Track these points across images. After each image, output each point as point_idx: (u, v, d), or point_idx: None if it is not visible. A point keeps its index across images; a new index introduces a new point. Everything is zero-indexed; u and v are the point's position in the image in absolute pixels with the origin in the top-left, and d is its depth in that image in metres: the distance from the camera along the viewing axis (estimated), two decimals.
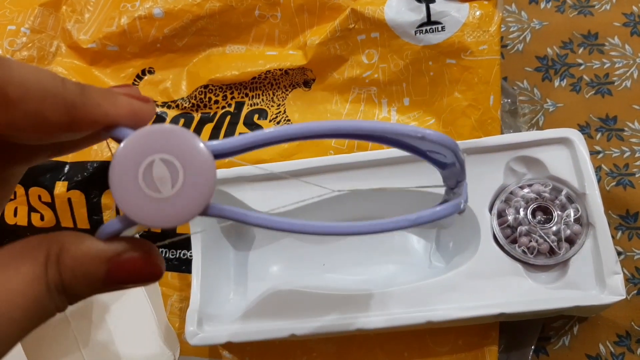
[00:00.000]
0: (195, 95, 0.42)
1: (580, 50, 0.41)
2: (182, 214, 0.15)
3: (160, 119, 0.42)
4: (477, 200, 0.33)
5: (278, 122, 0.40)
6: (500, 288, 0.31)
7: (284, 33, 0.42)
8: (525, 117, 0.41)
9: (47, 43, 0.43)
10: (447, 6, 0.37)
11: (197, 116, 0.42)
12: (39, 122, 0.14)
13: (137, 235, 0.17)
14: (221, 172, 0.35)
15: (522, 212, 0.32)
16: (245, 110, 0.41)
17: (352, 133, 0.16)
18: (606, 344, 0.35)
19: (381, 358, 0.36)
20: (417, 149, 0.18)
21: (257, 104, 0.41)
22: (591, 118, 0.40)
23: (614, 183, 0.38)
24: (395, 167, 0.34)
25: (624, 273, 0.32)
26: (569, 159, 0.33)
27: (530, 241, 0.32)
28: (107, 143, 0.17)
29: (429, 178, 0.33)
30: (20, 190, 0.39)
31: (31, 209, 0.39)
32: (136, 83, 0.43)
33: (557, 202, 0.32)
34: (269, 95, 0.41)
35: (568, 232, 0.32)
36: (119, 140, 0.16)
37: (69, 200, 0.39)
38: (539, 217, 0.33)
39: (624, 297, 0.30)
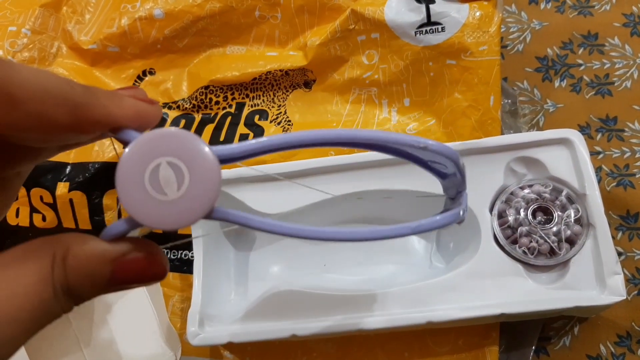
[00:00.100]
0: (196, 96, 0.42)
1: (580, 51, 0.41)
2: (187, 216, 0.15)
3: (161, 119, 0.42)
4: (477, 201, 0.33)
5: (279, 123, 0.40)
6: (501, 288, 0.31)
7: (284, 34, 0.42)
8: (526, 117, 0.41)
9: (47, 44, 0.43)
10: (447, 7, 0.37)
11: (198, 117, 0.42)
12: (44, 122, 0.14)
13: (141, 237, 0.17)
14: (222, 173, 0.35)
15: (522, 213, 0.32)
16: (246, 111, 0.41)
17: (355, 142, 0.17)
18: (607, 344, 0.35)
19: (381, 358, 0.36)
20: (418, 158, 0.18)
21: (258, 105, 0.41)
22: (591, 118, 0.40)
23: (615, 183, 0.38)
24: (396, 167, 0.34)
25: (624, 273, 0.32)
26: (569, 159, 0.33)
27: (531, 242, 0.32)
28: (113, 143, 0.17)
29: (430, 179, 0.33)
30: (22, 191, 0.39)
31: (33, 210, 0.39)
32: (137, 84, 0.43)
33: (558, 202, 0.32)
34: (270, 96, 0.41)
35: (568, 232, 0.32)
36: (124, 142, 0.16)
37: (71, 201, 0.39)
38: (539, 218, 0.33)
39: (625, 297, 0.30)
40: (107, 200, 0.39)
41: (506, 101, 0.40)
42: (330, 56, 0.39)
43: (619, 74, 0.40)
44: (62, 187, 0.39)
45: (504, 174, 0.34)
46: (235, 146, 0.16)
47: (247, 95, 0.41)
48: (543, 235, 0.32)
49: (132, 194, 0.15)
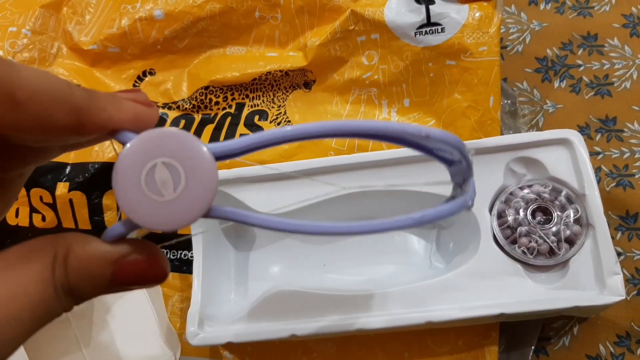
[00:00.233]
0: (196, 97, 0.42)
1: (580, 52, 0.42)
2: (184, 216, 0.15)
3: (161, 120, 0.42)
4: (477, 201, 0.33)
5: (279, 123, 0.40)
6: (500, 288, 0.31)
7: (284, 34, 0.42)
8: (525, 118, 0.41)
9: (48, 44, 0.43)
10: (446, 8, 0.37)
11: (197, 117, 0.42)
12: (45, 124, 0.14)
13: (141, 238, 0.17)
14: (221, 173, 0.35)
15: (522, 213, 0.32)
16: (245, 112, 0.41)
17: (355, 133, 0.16)
18: (606, 344, 0.35)
19: (381, 358, 0.36)
20: (423, 146, 0.17)
21: (258, 105, 0.41)
22: (591, 119, 0.40)
23: (614, 184, 0.38)
24: (397, 167, 0.34)
25: (623, 273, 0.32)
26: (569, 159, 0.33)
27: (530, 242, 0.32)
28: (112, 144, 0.17)
29: (431, 178, 0.33)
30: (21, 191, 0.39)
31: (33, 210, 0.39)
32: (137, 84, 0.43)
33: (557, 202, 0.32)
34: (270, 96, 0.41)
35: (568, 232, 0.32)
36: (122, 143, 0.16)
37: (70, 201, 0.39)
38: (538, 218, 0.33)
39: (624, 297, 0.30)
40: (107, 200, 0.39)
41: (506, 102, 0.40)
42: (330, 57, 0.40)
43: (618, 75, 0.40)
44: (61, 187, 0.39)
45: (504, 174, 0.34)
46: (231, 142, 0.16)
47: (247, 96, 0.42)
48: (542, 235, 0.32)
49: (129, 196, 0.15)
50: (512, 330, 0.35)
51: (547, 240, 0.32)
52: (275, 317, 0.33)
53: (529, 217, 0.32)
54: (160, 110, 0.42)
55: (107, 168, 0.39)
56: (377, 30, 0.38)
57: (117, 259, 0.16)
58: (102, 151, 0.40)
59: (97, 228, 0.39)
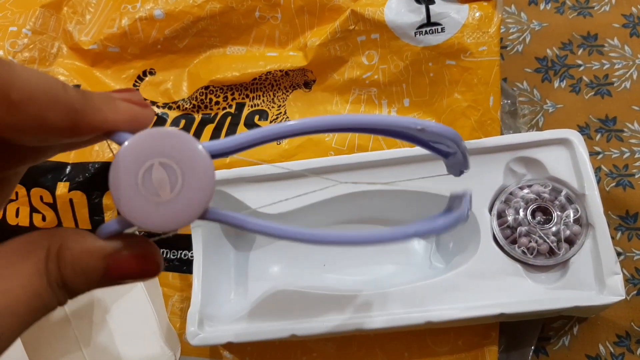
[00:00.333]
0: (196, 96, 0.42)
1: (580, 52, 0.42)
2: (180, 218, 0.15)
3: (161, 120, 0.42)
4: (477, 201, 0.33)
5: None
6: (500, 288, 0.31)
7: (284, 34, 0.42)
8: (525, 118, 0.41)
9: (48, 44, 0.43)
10: (446, 7, 0.37)
11: (198, 117, 0.42)
12: (40, 125, 0.14)
13: (139, 232, 0.17)
14: (221, 173, 0.35)
15: (521, 213, 0.32)
16: (246, 111, 0.41)
17: (351, 127, 0.16)
18: (606, 344, 0.35)
19: (381, 358, 0.36)
20: (419, 139, 0.18)
21: (258, 105, 0.41)
22: (591, 119, 0.40)
23: (614, 184, 0.38)
24: (397, 167, 0.34)
25: (623, 273, 0.32)
26: (569, 159, 0.33)
27: (530, 242, 0.32)
28: (109, 144, 0.17)
29: (431, 179, 0.33)
30: (22, 191, 0.39)
31: (33, 210, 0.39)
32: (137, 84, 0.43)
33: (557, 202, 0.32)
34: (270, 96, 0.41)
35: (568, 232, 0.32)
36: (119, 144, 0.16)
37: (71, 200, 0.39)
38: (538, 218, 0.33)
39: (624, 297, 0.30)
40: (107, 200, 0.39)
41: (506, 101, 0.40)
42: (330, 56, 0.40)
43: (618, 75, 0.40)
44: (62, 187, 0.39)
45: (504, 174, 0.34)
46: (228, 140, 0.16)
47: (247, 96, 0.42)
48: (542, 235, 0.32)
49: (125, 196, 0.15)
50: (512, 330, 0.35)
51: (547, 240, 0.32)
52: (275, 317, 0.33)
53: (529, 217, 0.32)
54: (160, 110, 0.42)
55: (107, 168, 0.39)
56: (377, 30, 0.38)
57: (110, 253, 0.16)
58: (102, 151, 0.40)
59: (97, 228, 0.39)
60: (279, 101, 0.41)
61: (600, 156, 0.39)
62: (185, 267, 0.39)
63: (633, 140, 0.38)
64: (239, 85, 0.41)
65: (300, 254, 0.37)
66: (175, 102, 0.42)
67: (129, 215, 0.15)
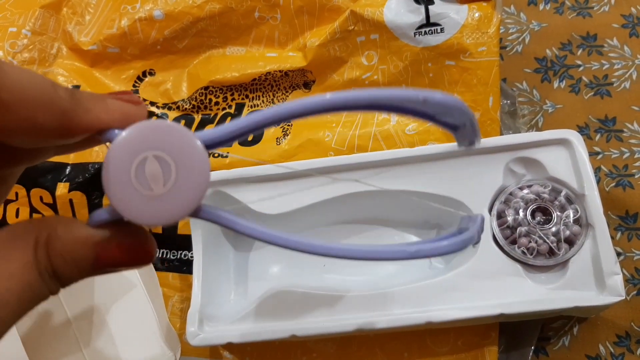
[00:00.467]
0: (196, 97, 0.42)
1: (579, 52, 0.42)
2: (172, 212, 0.15)
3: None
4: (476, 201, 0.33)
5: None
6: (500, 288, 0.31)
7: (284, 34, 0.42)
8: (525, 118, 0.41)
9: (48, 45, 0.43)
10: (446, 8, 0.37)
11: (197, 117, 0.42)
12: (31, 127, 0.14)
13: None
14: (221, 173, 0.35)
15: (521, 213, 0.32)
16: (245, 112, 0.41)
17: (350, 105, 0.15)
18: (606, 344, 0.35)
19: (381, 358, 0.36)
20: (424, 113, 0.17)
21: (258, 106, 0.41)
22: (590, 119, 0.40)
23: (613, 184, 0.38)
24: (396, 167, 0.34)
25: (623, 274, 0.32)
26: (568, 160, 0.33)
27: (530, 242, 0.32)
28: (108, 147, 0.16)
29: (431, 179, 0.33)
30: (21, 191, 0.39)
31: (33, 210, 0.39)
32: (137, 84, 0.43)
33: (557, 203, 0.32)
34: (269, 96, 0.41)
35: (567, 232, 0.32)
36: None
37: (71, 201, 0.39)
38: (538, 218, 0.33)
39: (624, 297, 0.30)
40: (107, 200, 0.39)
41: (505, 102, 0.40)
42: (329, 57, 0.40)
43: (617, 75, 0.40)
44: (62, 188, 0.39)
45: (503, 175, 0.34)
46: (222, 127, 0.15)
47: (247, 96, 0.42)
48: (542, 235, 0.32)
49: (118, 189, 0.15)
50: (512, 330, 0.35)
51: (547, 241, 0.32)
52: (275, 317, 0.33)
53: (529, 217, 0.32)
54: (160, 111, 0.42)
55: None
56: (377, 31, 0.38)
57: (100, 241, 0.16)
58: (102, 151, 0.40)
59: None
60: (278, 101, 0.41)
61: (599, 156, 0.39)
62: (185, 267, 0.39)
63: (633, 141, 0.38)
64: (238, 86, 0.41)
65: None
66: (174, 103, 0.42)
67: (120, 208, 0.15)
